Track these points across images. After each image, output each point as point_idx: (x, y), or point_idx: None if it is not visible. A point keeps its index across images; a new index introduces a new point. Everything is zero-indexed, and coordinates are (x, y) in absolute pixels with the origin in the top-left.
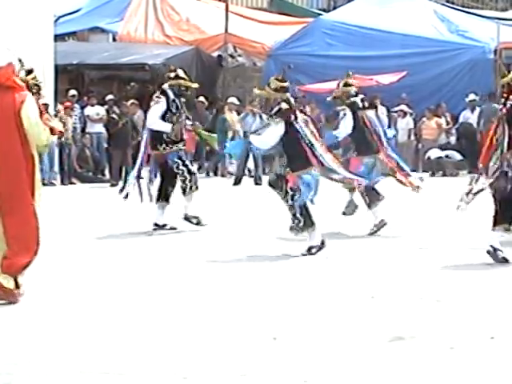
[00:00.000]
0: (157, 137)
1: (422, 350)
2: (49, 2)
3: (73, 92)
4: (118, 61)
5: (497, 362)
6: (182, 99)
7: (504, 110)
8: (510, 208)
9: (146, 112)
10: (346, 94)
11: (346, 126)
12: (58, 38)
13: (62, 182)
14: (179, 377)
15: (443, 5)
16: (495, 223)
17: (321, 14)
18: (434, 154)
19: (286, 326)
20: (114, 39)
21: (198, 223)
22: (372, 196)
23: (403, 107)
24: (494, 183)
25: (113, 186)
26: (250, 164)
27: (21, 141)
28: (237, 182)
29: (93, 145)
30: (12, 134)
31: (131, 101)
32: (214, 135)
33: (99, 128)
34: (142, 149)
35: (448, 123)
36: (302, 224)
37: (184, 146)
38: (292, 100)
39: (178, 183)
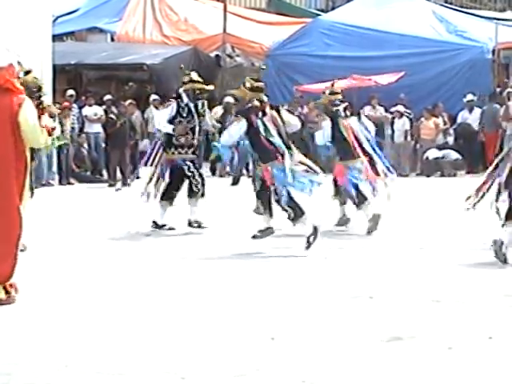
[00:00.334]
0: (167, 140)
1: (421, 350)
2: (47, 2)
3: (71, 92)
4: (116, 61)
5: (495, 362)
6: (199, 102)
7: None
8: None
9: (143, 112)
10: (330, 102)
11: (325, 136)
12: (56, 37)
13: (60, 182)
14: (177, 377)
15: (441, 5)
16: (507, 218)
17: (319, 15)
18: (432, 154)
19: (284, 326)
20: (112, 39)
21: (199, 226)
22: (359, 197)
23: (400, 108)
24: (509, 179)
25: (111, 186)
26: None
27: (15, 144)
28: (235, 182)
29: (91, 145)
30: (6, 137)
31: (129, 101)
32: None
33: (97, 128)
34: (149, 150)
35: (445, 123)
36: (293, 215)
37: (194, 153)
38: (265, 99)
39: (184, 187)
